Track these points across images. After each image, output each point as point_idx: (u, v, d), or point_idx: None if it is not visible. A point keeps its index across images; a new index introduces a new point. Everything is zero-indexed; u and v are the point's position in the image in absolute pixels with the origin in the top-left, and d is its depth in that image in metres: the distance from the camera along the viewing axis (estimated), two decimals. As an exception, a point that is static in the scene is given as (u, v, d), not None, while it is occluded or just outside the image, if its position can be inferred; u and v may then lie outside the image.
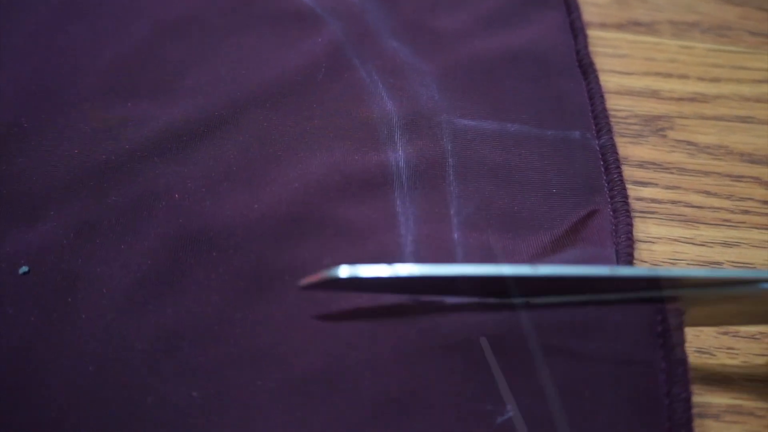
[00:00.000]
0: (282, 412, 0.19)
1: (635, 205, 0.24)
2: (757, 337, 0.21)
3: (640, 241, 0.23)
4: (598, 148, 0.25)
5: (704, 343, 0.21)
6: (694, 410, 0.20)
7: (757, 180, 0.25)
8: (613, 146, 0.25)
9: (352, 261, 0.21)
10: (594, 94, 0.27)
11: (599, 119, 0.26)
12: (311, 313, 0.20)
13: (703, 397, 0.20)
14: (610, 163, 0.25)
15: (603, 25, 0.30)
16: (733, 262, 0.23)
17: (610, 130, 0.26)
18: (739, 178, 0.25)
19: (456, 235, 0.22)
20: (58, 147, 0.25)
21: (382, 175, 0.24)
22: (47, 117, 0.26)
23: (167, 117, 0.26)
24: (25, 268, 0.22)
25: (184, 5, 0.30)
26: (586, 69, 0.28)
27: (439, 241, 0.22)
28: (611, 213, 0.23)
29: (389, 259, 0.21)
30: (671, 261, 0.23)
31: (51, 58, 0.28)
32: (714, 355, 0.21)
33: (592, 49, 0.29)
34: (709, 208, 0.24)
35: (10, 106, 0.26)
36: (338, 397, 0.19)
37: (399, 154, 0.25)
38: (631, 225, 0.23)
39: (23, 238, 0.23)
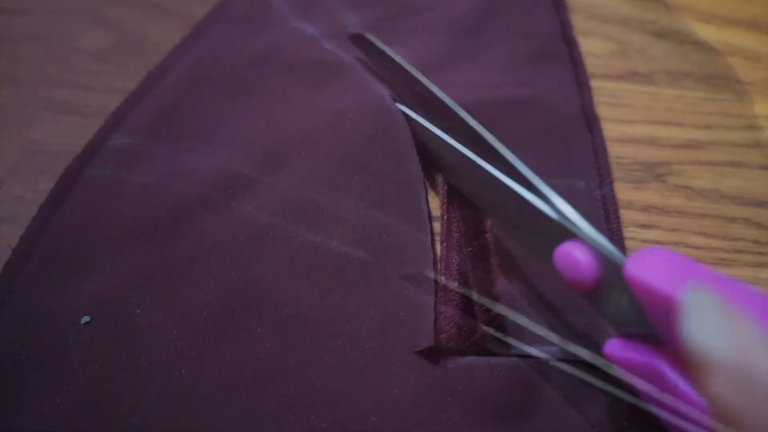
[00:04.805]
0: None
1: (640, 246, 0.27)
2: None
3: (647, 280, 0.26)
4: (600, 198, 0.27)
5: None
6: None
7: (748, 221, 0.28)
8: (614, 197, 0.28)
9: (392, 307, 0.24)
10: (598, 146, 0.29)
11: (602, 171, 0.28)
12: (357, 358, 0.22)
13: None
14: (610, 213, 0.27)
15: (606, 76, 0.33)
16: (729, 298, 0.26)
17: (611, 182, 0.28)
18: (732, 219, 0.28)
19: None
20: (107, 201, 0.26)
21: (415, 201, 0.26)
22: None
23: (208, 170, 0.27)
24: (86, 318, 0.23)
25: (216, 58, 0.32)
26: (591, 122, 0.30)
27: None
28: None
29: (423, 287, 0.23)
30: (675, 298, 0.26)
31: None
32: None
33: (596, 98, 0.31)
34: (706, 248, 0.27)
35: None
36: None
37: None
38: None
39: (82, 288, 0.24)
